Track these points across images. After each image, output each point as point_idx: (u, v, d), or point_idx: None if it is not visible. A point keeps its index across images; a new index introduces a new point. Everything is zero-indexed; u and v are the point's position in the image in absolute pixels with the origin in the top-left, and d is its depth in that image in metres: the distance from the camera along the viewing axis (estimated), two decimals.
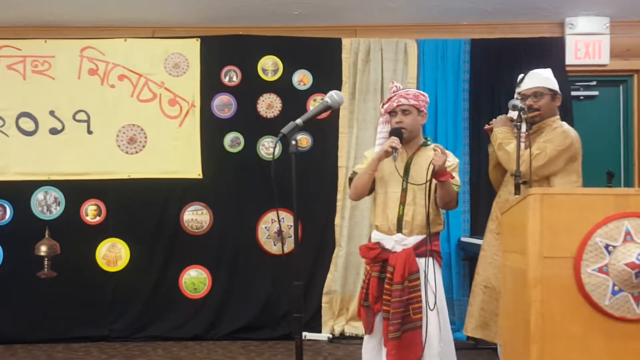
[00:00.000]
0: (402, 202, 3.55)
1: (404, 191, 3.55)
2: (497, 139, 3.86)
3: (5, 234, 5.83)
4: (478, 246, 4.65)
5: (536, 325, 2.61)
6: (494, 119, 3.98)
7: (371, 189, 3.69)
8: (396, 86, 3.69)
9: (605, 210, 2.61)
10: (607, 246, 2.60)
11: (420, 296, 3.46)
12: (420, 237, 3.52)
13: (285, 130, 2.85)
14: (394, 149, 3.39)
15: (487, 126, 4.01)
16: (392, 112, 3.59)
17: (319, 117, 3.12)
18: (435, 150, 3.39)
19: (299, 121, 2.88)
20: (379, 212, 3.64)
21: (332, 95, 3.04)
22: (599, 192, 2.81)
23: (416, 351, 3.44)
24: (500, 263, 3.53)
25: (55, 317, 5.73)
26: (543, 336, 2.61)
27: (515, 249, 2.83)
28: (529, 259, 2.63)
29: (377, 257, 3.57)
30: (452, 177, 3.47)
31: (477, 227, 5.54)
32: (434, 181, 3.44)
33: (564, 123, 3.90)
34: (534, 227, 2.62)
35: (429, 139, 3.74)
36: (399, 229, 3.54)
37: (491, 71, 5.79)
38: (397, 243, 3.53)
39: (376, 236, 3.65)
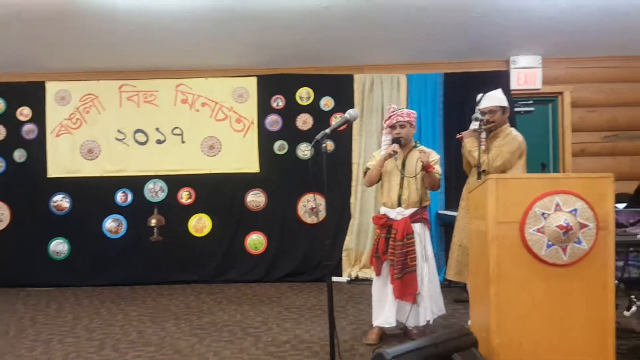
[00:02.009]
0: (401, 187, 3.67)
1: (402, 179, 3.66)
2: (467, 147, 3.82)
3: (128, 211, 5.89)
4: (451, 216, 4.63)
5: (493, 270, 2.61)
6: (464, 132, 3.93)
7: (378, 179, 3.77)
8: (393, 107, 3.80)
9: (542, 188, 2.61)
10: (543, 214, 2.58)
11: (414, 250, 3.57)
12: (414, 209, 3.65)
13: (318, 137, 2.87)
14: (395, 152, 3.55)
15: (458, 135, 3.96)
16: (392, 126, 3.68)
17: (340, 128, 3.12)
18: (420, 151, 3.58)
19: (327, 131, 2.90)
20: (385, 193, 3.75)
21: (350, 112, 3.06)
22: (537, 176, 2.80)
23: (413, 287, 3.56)
24: (469, 229, 3.53)
25: (162, 267, 5.77)
26: (498, 279, 2.61)
27: (478, 217, 2.81)
28: (489, 223, 2.63)
29: (385, 223, 3.68)
30: (433, 169, 3.55)
31: (450, 203, 5.50)
32: (422, 172, 3.58)
33: (514, 129, 3.83)
34: (491, 201, 2.62)
35: (417, 142, 3.80)
36: (399, 205, 3.66)
37: (458, 94, 5.68)
38: (398, 214, 3.65)
39: (383, 210, 3.75)
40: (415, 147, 3.72)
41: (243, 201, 5.89)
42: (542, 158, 5.34)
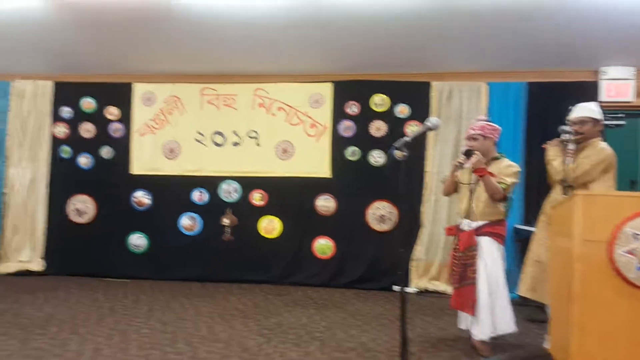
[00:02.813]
0: (470, 198, 3.61)
1: (471, 192, 3.61)
2: (548, 156, 3.68)
3: (203, 210, 6.09)
4: (529, 232, 4.44)
5: (576, 290, 2.49)
6: (550, 141, 3.77)
7: (454, 190, 3.80)
8: (482, 118, 3.82)
9: (634, 207, 2.45)
10: (635, 235, 2.42)
11: (475, 262, 3.52)
12: (482, 222, 3.57)
13: (397, 144, 2.83)
14: (460, 163, 3.57)
15: (544, 145, 3.81)
16: (468, 139, 3.68)
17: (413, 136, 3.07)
18: (475, 155, 3.53)
19: (407, 138, 2.84)
20: (459, 204, 3.76)
21: (431, 120, 2.98)
22: (627, 194, 2.67)
23: (471, 299, 3.51)
24: (548, 244, 3.38)
25: (232, 265, 5.91)
26: (582, 298, 2.48)
27: (562, 233, 2.69)
28: (574, 241, 2.50)
29: (454, 234, 3.71)
30: (485, 175, 3.48)
31: (529, 217, 5.24)
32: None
33: (604, 143, 3.61)
34: (578, 218, 2.49)
35: (501, 155, 3.73)
36: (468, 216, 3.62)
37: (543, 105, 5.45)
38: (466, 225, 3.62)
39: (459, 220, 3.76)
40: (497, 158, 3.67)
41: (313, 205, 5.94)
42: (631, 175, 5.01)
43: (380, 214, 5.81)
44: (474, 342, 3.62)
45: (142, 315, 4.42)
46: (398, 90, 5.82)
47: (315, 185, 5.92)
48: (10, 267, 6.09)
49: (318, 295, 5.38)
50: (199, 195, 6.09)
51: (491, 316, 3.49)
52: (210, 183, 6.08)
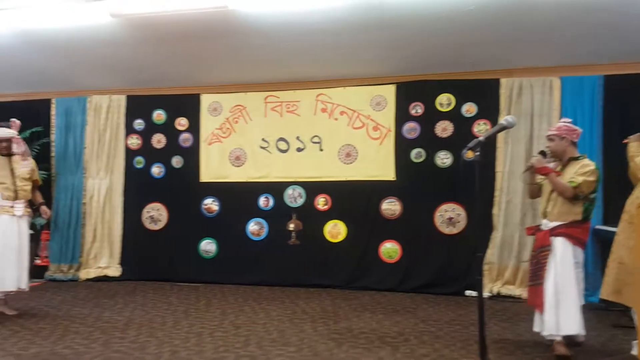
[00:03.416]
0: (547, 199, 3.64)
1: (549, 192, 3.63)
2: (630, 152, 3.46)
3: (269, 215, 6.16)
4: (610, 232, 4.17)
5: None
6: (632, 136, 3.54)
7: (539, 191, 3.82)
8: (565, 121, 3.75)
9: None
10: None
11: (546, 263, 3.53)
12: (558, 223, 3.56)
13: (471, 144, 2.74)
14: (531, 165, 3.67)
15: (625, 140, 3.58)
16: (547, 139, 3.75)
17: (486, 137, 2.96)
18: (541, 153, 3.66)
19: (481, 138, 2.75)
20: (540, 205, 3.79)
21: (507, 119, 2.88)
22: None
23: (540, 298, 3.53)
24: (632, 244, 3.16)
25: (298, 270, 5.93)
26: None
27: None
28: None
29: (533, 234, 3.78)
30: (548, 173, 3.54)
31: (609, 217, 4.95)
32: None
33: None
34: None
35: (582, 155, 3.65)
36: (545, 216, 3.66)
37: (621, 99, 5.15)
38: (544, 225, 3.65)
39: (540, 220, 3.79)
40: (576, 159, 3.62)
41: (378, 209, 5.86)
42: None
43: (449, 217, 5.65)
44: (550, 344, 3.57)
45: (215, 319, 4.50)
46: (464, 89, 5.66)
47: (379, 189, 5.85)
48: (90, 273, 6.40)
49: (386, 300, 5.30)
50: (264, 201, 6.17)
51: (555, 316, 3.43)
52: (276, 189, 6.14)
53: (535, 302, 3.59)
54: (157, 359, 3.42)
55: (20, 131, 6.26)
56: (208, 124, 6.37)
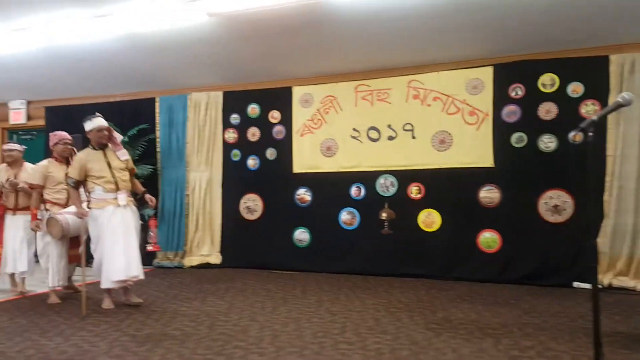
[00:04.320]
0: None
1: None
2: None
3: (360, 205, 6.18)
4: None
5: None
6: None
7: None
8: None
9: None
10: None
11: None
12: None
13: (583, 125, 2.54)
14: None
15: None
16: None
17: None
18: None
19: (594, 118, 2.54)
20: None
21: (624, 96, 2.62)
22: None
23: None
24: None
25: (392, 259, 5.90)
26: None
27: None
28: None
29: None
30: None
31: None
32: None
33: None
34: None
35: None
36: None
37: None
38: None
39: None
40: None
41: (475, 197, 5.66)
42: None
43: (554, 204, 5.33)
44: None
45: (311, 305, 4.59)
46: (570, 68, 5.31)
47: (477, 176, 5.65)
48: (194, 260, 6.78)
49: (486, 291, 5.11)
50: (356, 191, 6.18)
51: None
52: (367, 178, 6.14)
53: None
54: (258, 342, 3.54)
55: (129, 129, 6.84)
56: (299, 115, 6.49)
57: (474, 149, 5.68)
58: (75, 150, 5.11)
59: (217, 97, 6.88)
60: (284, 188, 6.53)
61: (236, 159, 6.79)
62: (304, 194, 6.46)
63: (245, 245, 6.63)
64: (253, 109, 6.73)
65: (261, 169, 6.69)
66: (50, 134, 5.18)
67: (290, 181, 6.51)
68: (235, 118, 6.80)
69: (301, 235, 6.44)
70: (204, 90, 6.97)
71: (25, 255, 5.23)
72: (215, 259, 6.75)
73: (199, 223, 6.87)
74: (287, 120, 6.56)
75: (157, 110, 7.08)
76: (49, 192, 4.92)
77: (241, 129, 6.78)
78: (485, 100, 5.65)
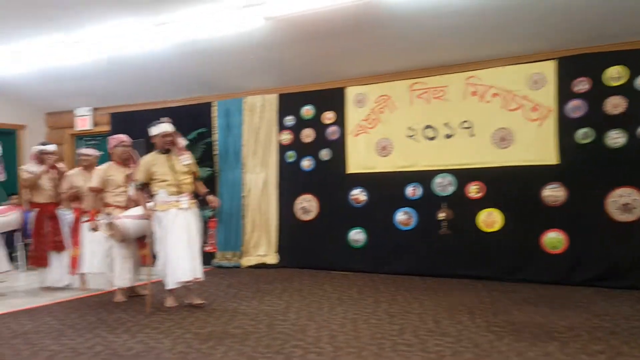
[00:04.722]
0: None
1: None
2: None
3: (418, 204, 6.09)
4: None
5: None
6: None
7: None
8: None
9: None
10: None
11: None
12: None
13: None
14: None
15: None
16: None
17: None
18: None
19: None
20: None
21: None
22: None
23: None
24: None
25: (451, 260, 5.80)
26: None
27: None
28: None
29: None
30: None
31: None
32: None
33: None
34: None
35: None
36: None
37: None
38: None
39: None
40: None
41: (538, 196, 5.47)
42: None
43: (624, 202, 5.07)
44: None
45: (368, 307, 4.58)
46: (638, 60, 5.04)
47: (540, 174, 5.45)
48: (251, 260, 6.91)
49: (551, 293, 4.93)
50: (412, 191, 6.11)
51: None
52: (424, 177, 6.05)
53: None
54: (316, 342, 3.57)
55: (188, 133, 7.05)
56: (354, 115, 6.48)
57: (536, 146, 5.48)
58: (133, 152, 5.28)
59: (272, 100, 6.98)
60: (338, 188, 6.54)
61: (291, 160, 6.87)
62: (358, 194, 6.45)
63: (300, 246, 6.70)
64: (307, 111, 6.79)
65: (316, 169, 6.73)
66: (109, 137, 5.37)
67: (345, 181, 6.51)
68: (289, 120, 6.89)
69: (356, 235, 6.43)
70: (259, 93, 7.09)
71: (100, 256, 5.39)
72: (272, 259, 6.85)
73: (255, 224, 6.99)
74: (341, 121, 6.57)
75: (214, 114, 7.26)
76: (109, 195, 5.09)
77: (296, 130, 6.86)
78: (548, 96, 5.44)
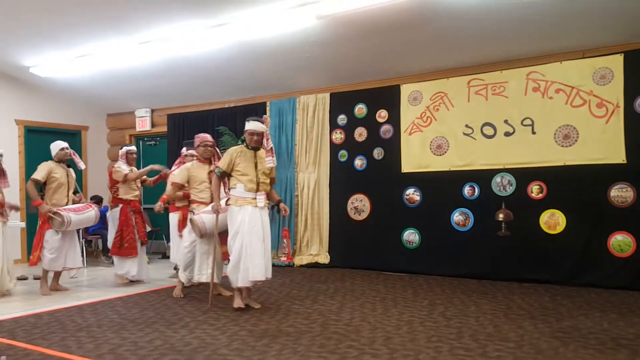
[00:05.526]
0: None
1: None
2: None
3: (475, 205, 5.97)
4: None
5: None
6: None
7: None
8: None
9: None
10: None
11: None
12: None
13: None
14: None
15: None
16: None
17: None
18: None
19: None
20: None
21: None
22: None
23: None
24: None
25: (510, 263, 5.65)
26: None
27: None
28: None
29: None
30: None
31: None
32: None
33: None
34: None
35: None
36: None
37: None
38: None
39: None
40: None
41: (605, 196, 5.24)
42: None
43: None
44: None
45: (424, 309, 4.51)
46: None
47: (606, 173, 5.23)
48: (303, 259, 6.97)
49: (618, 299, 4.71)
50: (469, 190, 5.98)
51: None
52: (482, 177, 5.91)
53: None
54: (371, 343, 3.55)
55: (242, 133, 7.16)
56: (408, 114, 6.41)
57: (603, 144, 5.25)
58: (216, 150, 5.32)
59: (325, 99, 7.01)
60: (392, 188, 6.49)
61: (343, 159, 6.87)
62: (412, 194, 6.37)
63: (353, 246, 6.69)
64: (360, 109, 6.77)
65: (368, 169, 6.70)
66: (195, 136, 5.42)
67: (399, 181, 6.45)
68: (342, 119, 6.89)
69: (410, 236, 6.36)
70: (312, 92, 7.13)
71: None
72: (324, 258, 6.88)
73: (307, 223, 7.04)
74: (394, 119, 6.51)
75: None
76: (193, 191, 5.22)
77: (348, 129, 6.85)
78: (615, 91, 5.20)
